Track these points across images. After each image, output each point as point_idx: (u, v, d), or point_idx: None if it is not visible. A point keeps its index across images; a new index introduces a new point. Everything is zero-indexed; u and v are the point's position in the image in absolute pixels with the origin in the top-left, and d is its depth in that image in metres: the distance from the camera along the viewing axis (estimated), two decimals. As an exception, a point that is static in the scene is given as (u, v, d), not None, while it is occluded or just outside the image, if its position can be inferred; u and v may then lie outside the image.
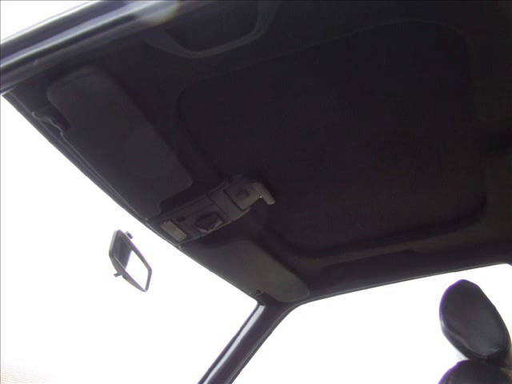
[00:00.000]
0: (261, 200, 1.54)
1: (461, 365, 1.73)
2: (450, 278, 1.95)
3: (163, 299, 5.12)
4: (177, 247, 1.69)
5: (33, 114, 1.18)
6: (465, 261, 2.03)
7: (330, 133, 1.36)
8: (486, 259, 2.04)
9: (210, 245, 1.71)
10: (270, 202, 1.56)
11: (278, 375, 5.31)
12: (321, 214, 1.70)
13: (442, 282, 1.98)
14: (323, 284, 2.17)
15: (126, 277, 1.65)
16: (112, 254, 1.58)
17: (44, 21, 1.02)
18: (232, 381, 2.26)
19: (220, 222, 1.56)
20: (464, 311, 1.78)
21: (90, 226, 5.12)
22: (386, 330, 5.43)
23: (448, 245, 1.91)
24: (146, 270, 1.79)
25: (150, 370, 5.33)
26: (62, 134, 1.20)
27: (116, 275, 1.62)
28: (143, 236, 1.70)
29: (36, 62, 1.02)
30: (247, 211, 1.56)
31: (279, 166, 1.48)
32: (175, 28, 1.02)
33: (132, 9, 0.96)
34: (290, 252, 1.90)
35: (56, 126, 1.18)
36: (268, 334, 2.29)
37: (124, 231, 1.69)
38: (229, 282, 2.03)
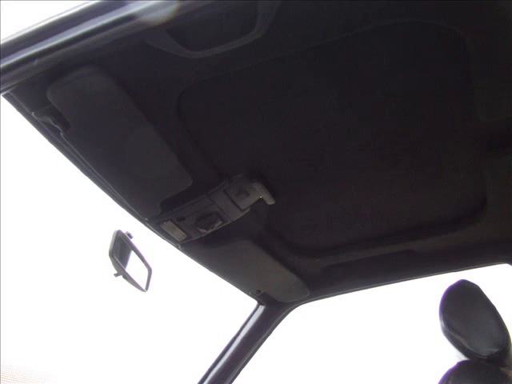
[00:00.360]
0: (261, 200, 1.54)
1: (461, 365, 1.73)
2: (450, 278, 1.95)
3: (163, 299, 5.12)
4: (177, 247, 1.68)
5: (33, 114, 1.18)
6: (465, 261, 2.03)
7: (330, 133, 1.36)
8: (486, 259, 2.04)
9: (209, 245, 1.71)
10: (270, 202, 1.56)
11: (278, 375, 5.31)
12: (321, 214, 1.70)
13: (442, 282, 1.98)
14: (323, 284, 2.17)
15: (126, 277, 1.65)
16: (112, 254, 1.58)
17: (44, 21, 1.02)
18: (232, 381, 2.26)
19: (220, 222, 1.56)
20: (464, 311, 1.78)
21: (90, 226, 5.12)
22: (385, 329, 5.42)
23: (448, 245, 1.91)
24: (145, 270, 1.79)
25: (150, 370, 5.33)
26: (62, 134, 1.20)
27: (116, 275, 1.62)
28: (143, 236, 1.71)
29: (36, 62, 1.02)
30: (247, 211, 1.56)
31: (279, 166, 1.48)
32: (175, 28, 1.02)
33: (132, 9, 0.96)
34: (290, 252, 1.90)
35: (56, 125, 1.18)
36: (268, 334, 2.29)
37: (124, 231, 1.69)
38: (229, 281, 2.03)
